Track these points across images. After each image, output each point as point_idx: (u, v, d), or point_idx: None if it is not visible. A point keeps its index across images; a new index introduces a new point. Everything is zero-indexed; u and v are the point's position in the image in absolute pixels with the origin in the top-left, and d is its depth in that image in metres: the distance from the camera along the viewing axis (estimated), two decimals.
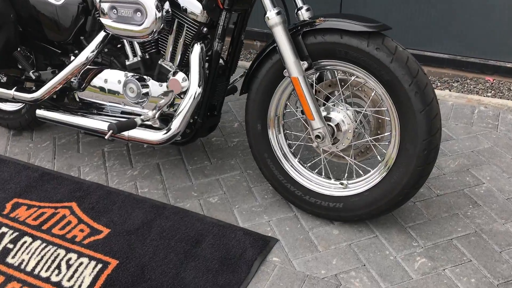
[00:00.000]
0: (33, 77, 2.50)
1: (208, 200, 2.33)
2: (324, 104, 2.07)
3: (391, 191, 1.95)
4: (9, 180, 2.49)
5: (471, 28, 3.27)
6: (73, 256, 2.02)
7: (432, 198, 2.27)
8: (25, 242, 2.10)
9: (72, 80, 2.43)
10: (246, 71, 2.18)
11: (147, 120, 2.14)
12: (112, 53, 2.38)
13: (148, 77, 2.26)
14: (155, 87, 2.24)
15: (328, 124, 2.01)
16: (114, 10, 2.14)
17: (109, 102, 2.39)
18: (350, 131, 2.01)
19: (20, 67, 2.61)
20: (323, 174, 2.18)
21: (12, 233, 2.14)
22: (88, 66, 2.36)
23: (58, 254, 2.03)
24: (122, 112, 2.39)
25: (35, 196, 2.37)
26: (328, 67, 2.00)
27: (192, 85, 2.10)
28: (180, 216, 2.22)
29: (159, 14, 2.05)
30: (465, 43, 3.33)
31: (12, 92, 2.51)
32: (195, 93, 2.09)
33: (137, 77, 2.26)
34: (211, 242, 2.06)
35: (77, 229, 2.16)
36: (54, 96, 2.52)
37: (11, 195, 2.39)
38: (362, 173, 2.12)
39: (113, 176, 2.53)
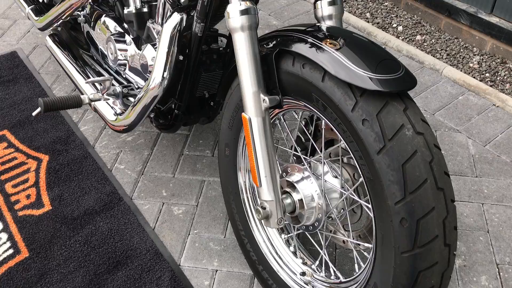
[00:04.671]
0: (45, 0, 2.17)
1: (172, 208, 1.85)
2: (303, 159, 1.35)
3: None
4: (18, 104, 2.31)
5: None
6: None
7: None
8: None
9: (79, 13, 2.03)
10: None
11: (96, 100, 1.68)
12: None
13: (131, 39, 1.75)
14: (132, 54, 1.73)
15: (287, 193, 1.31)
16: None
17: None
18: (320, 214, 1.29)
19: None
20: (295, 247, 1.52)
21: None
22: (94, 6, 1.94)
23: None
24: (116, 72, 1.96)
25: (22, 135, 2.16)
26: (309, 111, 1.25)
27: (155, 68, 1.54)
28: (125, 220, 1.81)
29: None
30: None
31: (26, 10, 2.23)
32: (158, 80, 1.54)
33: (119, 35, 1.76)
34: (130, 273, 1.63)
35: (25, 193, 1.91)
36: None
37: (5, 124, 2.21)
38: (333, 272, 1.41)
39: (105, 135, 2.17)
